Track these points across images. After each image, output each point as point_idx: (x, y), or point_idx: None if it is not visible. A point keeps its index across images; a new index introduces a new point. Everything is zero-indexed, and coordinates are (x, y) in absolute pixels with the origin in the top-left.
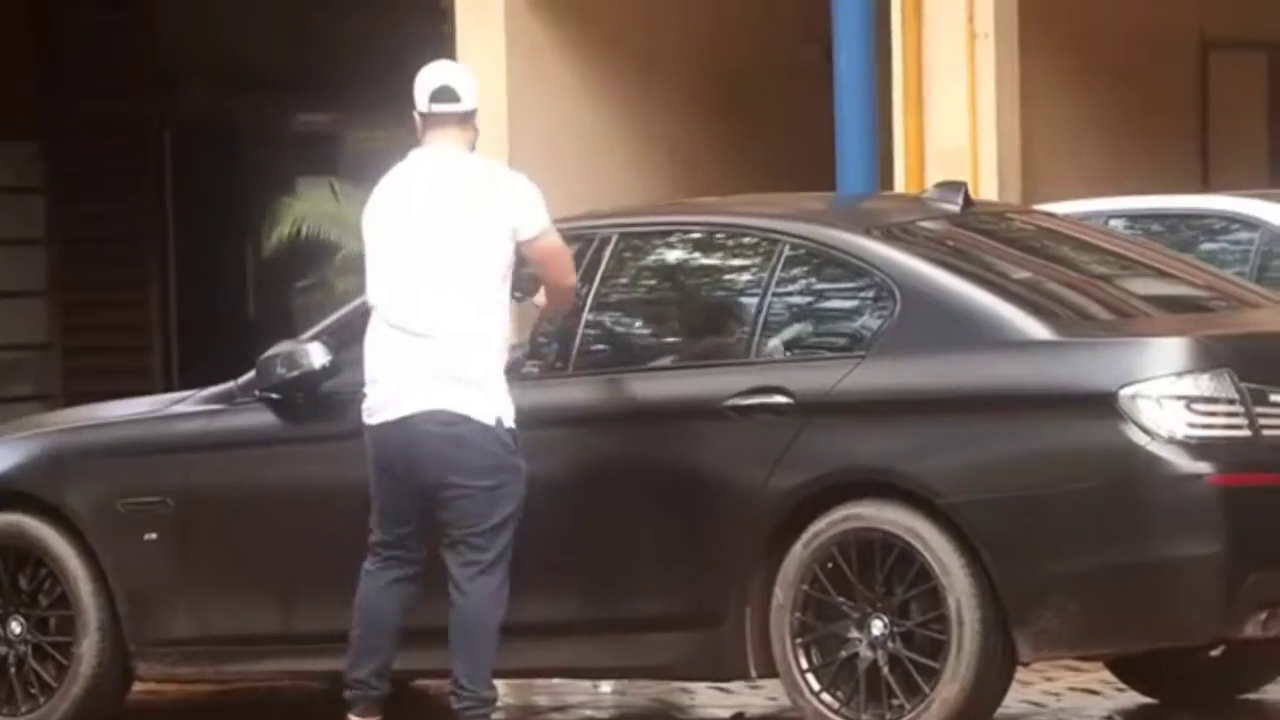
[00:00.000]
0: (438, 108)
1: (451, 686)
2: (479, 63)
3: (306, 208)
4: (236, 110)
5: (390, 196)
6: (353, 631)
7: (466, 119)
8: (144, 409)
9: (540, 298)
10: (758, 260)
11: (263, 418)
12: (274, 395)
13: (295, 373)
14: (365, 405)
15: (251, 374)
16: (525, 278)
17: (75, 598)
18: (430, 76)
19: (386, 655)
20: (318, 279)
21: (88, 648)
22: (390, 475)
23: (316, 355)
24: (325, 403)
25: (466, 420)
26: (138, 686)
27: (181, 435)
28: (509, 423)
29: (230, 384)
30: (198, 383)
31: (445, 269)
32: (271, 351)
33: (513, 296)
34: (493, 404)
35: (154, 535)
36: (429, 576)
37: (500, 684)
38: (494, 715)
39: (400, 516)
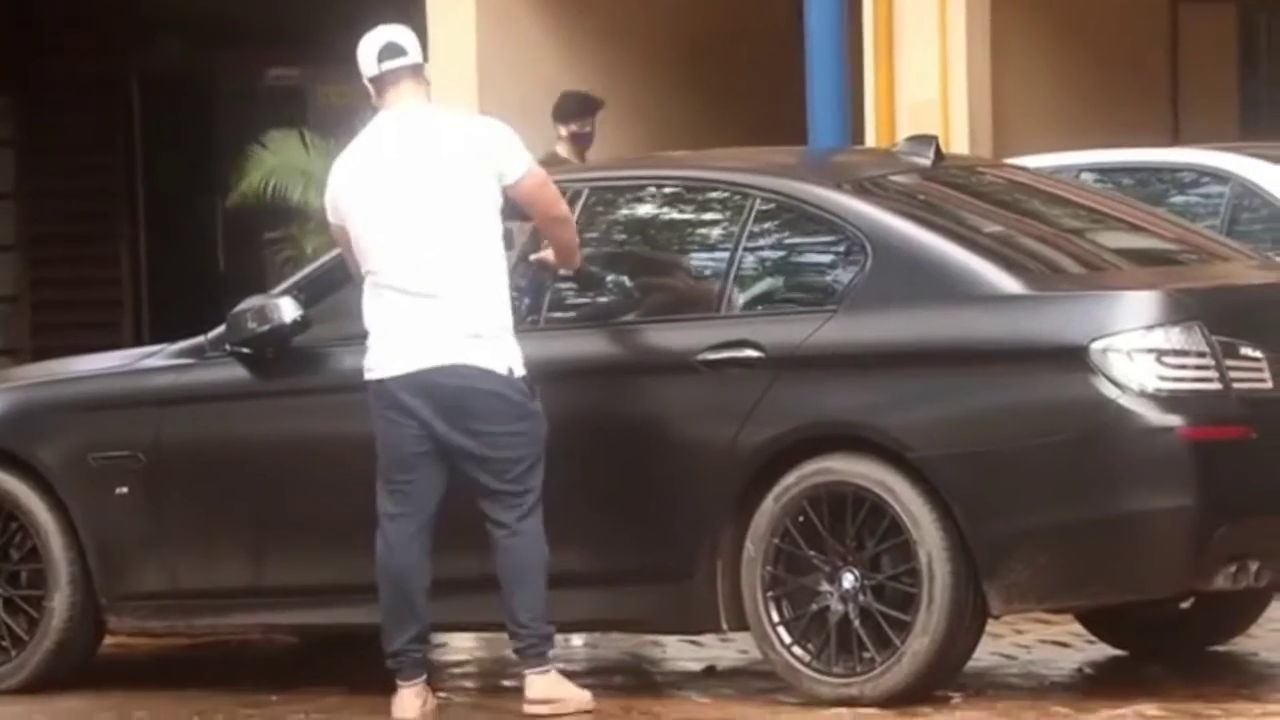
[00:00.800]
0: (388, 65)
1: (511, 627)
2: (449, 22)
3: (277, 160)
4: (207, 65)
5: (366, 163)
6: (381, 601)
7: (418, 71)
8: (114, 363)
9: (547, 253)
10: (729, 214)
11: (233, 372)
12: (244, 350)
13: (266, 327)
14: (370, 361)
15: (222, 329)
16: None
17: (46, 552)
18: (372, 39)
19: (423, 619)
20: (286, 233)
21: (59, 601)
22: (395, 425)
23: (287, 310)
24: (296, 357)
25: (482, 373)
26: (109, 640)
27: (152, 390)
28: (520, 371)
29: (201, 338)
30: (168, 337)
31: (441, 226)
32: (242, 306)
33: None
34: (504, 354)
35: (125, 489)
36: (447, 525)
37: (471, 637)
38: (462, 670)
39: (412, 462)
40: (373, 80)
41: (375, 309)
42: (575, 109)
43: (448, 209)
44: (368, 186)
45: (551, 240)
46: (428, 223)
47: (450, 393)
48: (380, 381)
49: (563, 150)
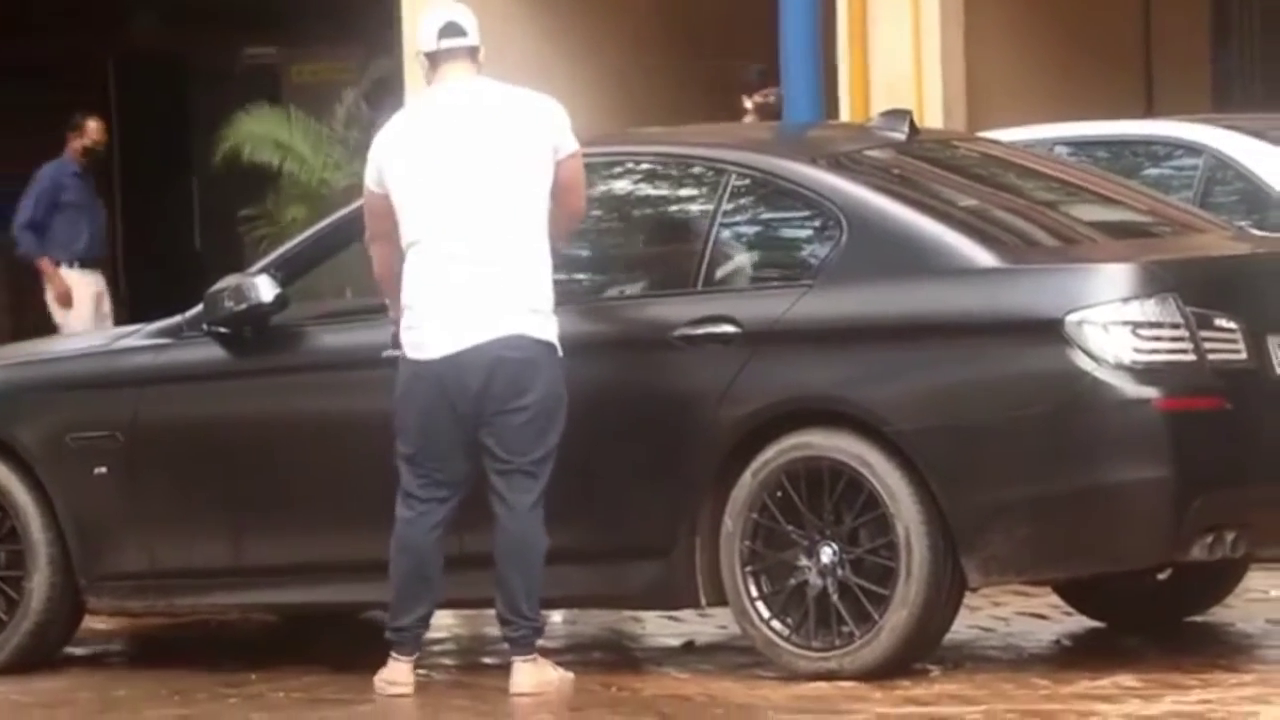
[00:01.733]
0: (447, 43)
1: (505, 614)
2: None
3: (257, 128)
4: (183, 43)
5: (420, 131)
6: (394, 575)
7: (475, 53)
8: (91, 343)
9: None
10: (705, 190)
11: (211, 351)
12: (222, 329)
13: (243, 306)
14: (415, 340)
15: (199, 308)
16: None
17: (25, 532)
18: (435, 15)
19: (433, 599)
20: (262, 209)
21: (38, 582)
22: (441, 409)
23: (264, 289)
24: (273, 336)
25: (541, 344)
26: (89, 620)
27: (130, 369)
28: (560, 352)
29: (178, 318)
30: (144, 317)
31: (503, 196)
32: (219, 285)
33: None
34: (554, 330)
35: (103, 469)
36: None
37: (451, 614)
38: (440, 647)
39: (446, 452)
40: (429, 55)
41: (424, 282)
42: (757, 80)
43: (505, 179)
44: (422, 154)
45: (563, 219)
46: (489, 192)
47: (512, 366)
48: (425, 362)
49: (749, 121)
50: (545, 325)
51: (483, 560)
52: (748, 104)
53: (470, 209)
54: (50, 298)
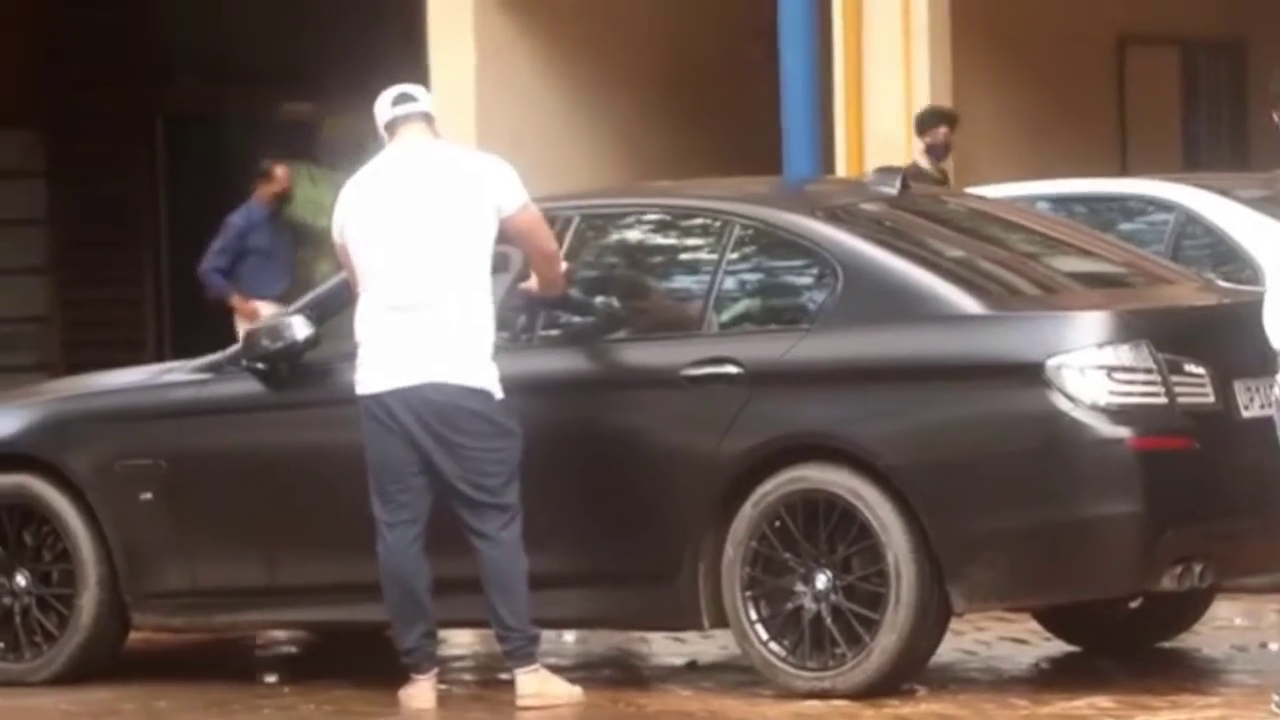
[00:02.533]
0: (400, 109)
1: (498, 631)
2: (449, 60)
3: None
4: (224, 100)
5: (370, 188)
6: (389, 603)
7: (428, 118)
8: (139, 378)
9: (531, 282)
10: (710, 239)
11: (249, 386)
12: (259, 365)
13: (279, 344)
14: (361, 376)
15: (239, 345)
16: (495, 255)
17: (76, 553)
18: (388, 92)
19: (429, 614)
20: (299, 256)
21: (87, 600)
22: (388, 437)
23: (299, 328)
24: (307, 372)
25: (465, 390)
26: (134, 636)
27: (174, 402)
28: (499, 393)
29: (219, 354)
30: (188, 354)
31: (435, 250)
32: (257, 324)
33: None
34: (487, 376)
35: (149, 494)
36: (441, 529)
37: (469, 634)
38: (460, 664)
39: (403, 471)
40: (387, 126)
41: (368, 326)
42: (928, 121)
43: (443, 235)
44: (370, 209)
45: (537, 273)
46: (423, 245)
47: (436, 408)
48: (372, 395)
49: (922, 161)
50: (475, 373)
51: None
52: (919, 145)
53: (407, 263)
54: (241, 331)
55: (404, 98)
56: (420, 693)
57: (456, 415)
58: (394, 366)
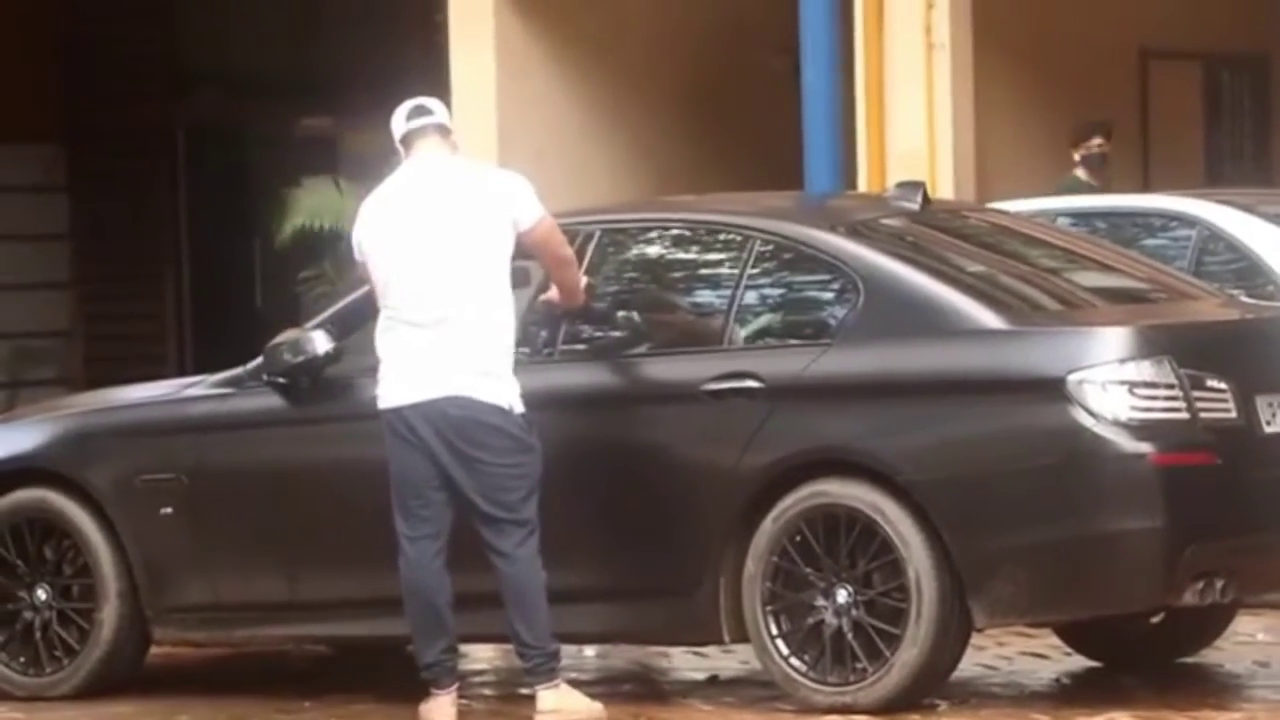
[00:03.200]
0: (415, 122)
1: (518, 648)
2: (470, 74)
3: (315, 201)
4: (245, 114)
5: (389, 205)
6: (410, 617)
7: (443, 130)
8: (159, 392)
9: (552, 292)
10: (731, 254)
11: (270, 401)
12: (280, 380)
13: (300, 359)
14: (383, 390)
15: (259, 360)
16: (516, 270)
17: (96, 567)
18: (403, 105)
19: (450, 629)
20: (320, 270)
21: (108, 614)
22: (409, 451)
23: (320, 342)
24: (328, 387)
25: (486, 405)
26: (154, 650)
27: (194, 417)
28: (520, 408)
29: (240, 369)
30: (209, 368)
31: (456, 266)
32: (278, 339)
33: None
34: (508, 391)
35: (169, 509)
36: (463, 543)
37: (489, 648)
38: (481, 679)
39: (424, 485)
40: (402, 139)
41: (389, 341)
42: (1082, 133)
43: (462, 250)
44: (389, 226)
45: (556, 281)
46: (443, 261)
47: (456, 423)
48: (393, 409)
49: (1080, 173)
50: (495, 387)
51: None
52: (1075, 156)
53: (427, 278)
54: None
55: (419, 110)
56: (440, 708)
57: (476, 430)
58: (415, 380)
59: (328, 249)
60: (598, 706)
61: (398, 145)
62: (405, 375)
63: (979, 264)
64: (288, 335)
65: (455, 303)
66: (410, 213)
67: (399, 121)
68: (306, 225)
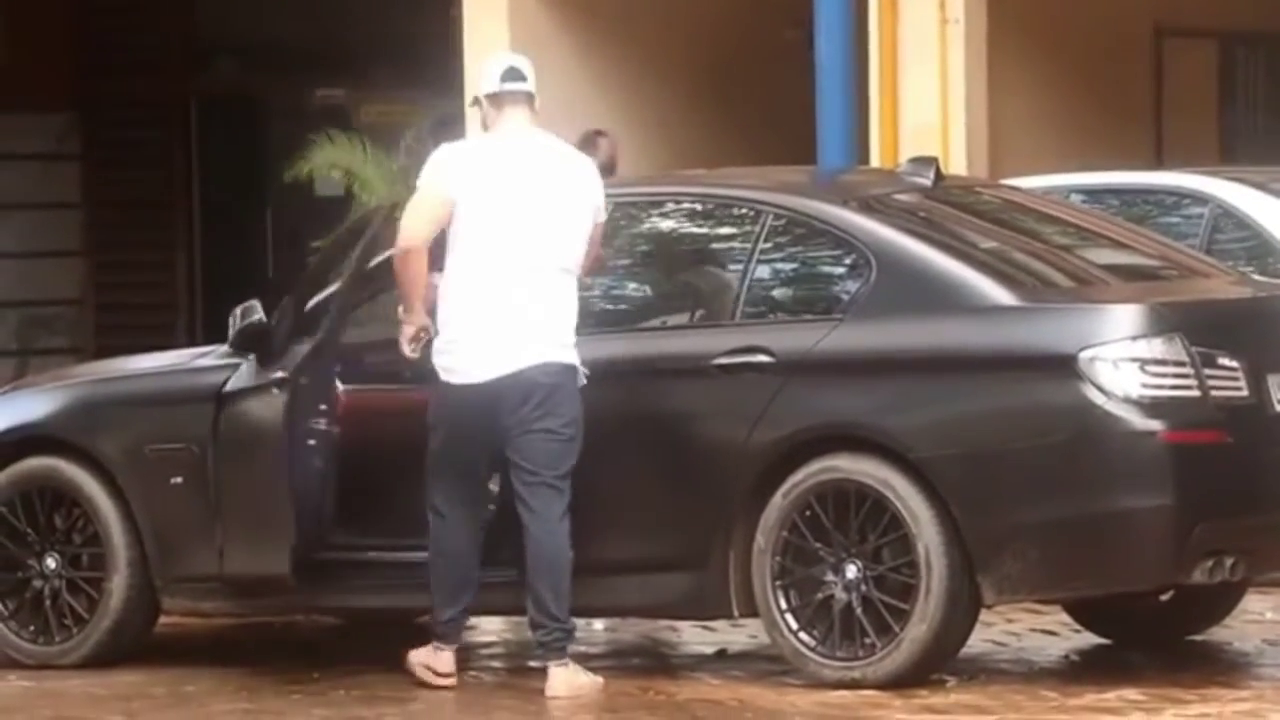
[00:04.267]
0: (510, 86)
1: (539, 618)
2: (484, 47)
3: (335, 154)
4: (259, 85)
5: (495, 156)
6: (437, 577)
7: (532, 100)
8: (170, 362)
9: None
10: (743, 229)
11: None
12: (243, 350)
13: (239, 327)
14: (451, 364)
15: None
16: None
17: (106, 536)
18: (497, 60)
19: (474, 592)
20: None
21: (117, 583)
22: (473, 430)
23: (256, 310)
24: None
25: (568, 369)
26: (163, 620)
27: (206, 387)
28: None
29: None
30: (220, 339)
31: (554, 239)
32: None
33: None
34: (576, 358)
35: (179, 479)
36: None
37: (497, 621)
38: (489, 651)
39: (471, 469)
40: (491, 97)
41: (471, 302)
42: None
43: (563, 225)
44: (496, 183)
45: (587, 268)
46: (548, 234)
47: (544, 390)
48: (462, 386)
49: None
50: (571, 354)
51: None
52: None
53: (530, 245)
54: None
55: (514, 73)
56: (445, 660)
57: (559, 394)
58: (499, 351)
59: (339, 218)
60: (599, 682)
61: (482, 98)
62: (487, 344)
63: (991, 240)
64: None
65: (549, 270)
66: (518, 175)
67: (491, 79)
68: (320, 179)
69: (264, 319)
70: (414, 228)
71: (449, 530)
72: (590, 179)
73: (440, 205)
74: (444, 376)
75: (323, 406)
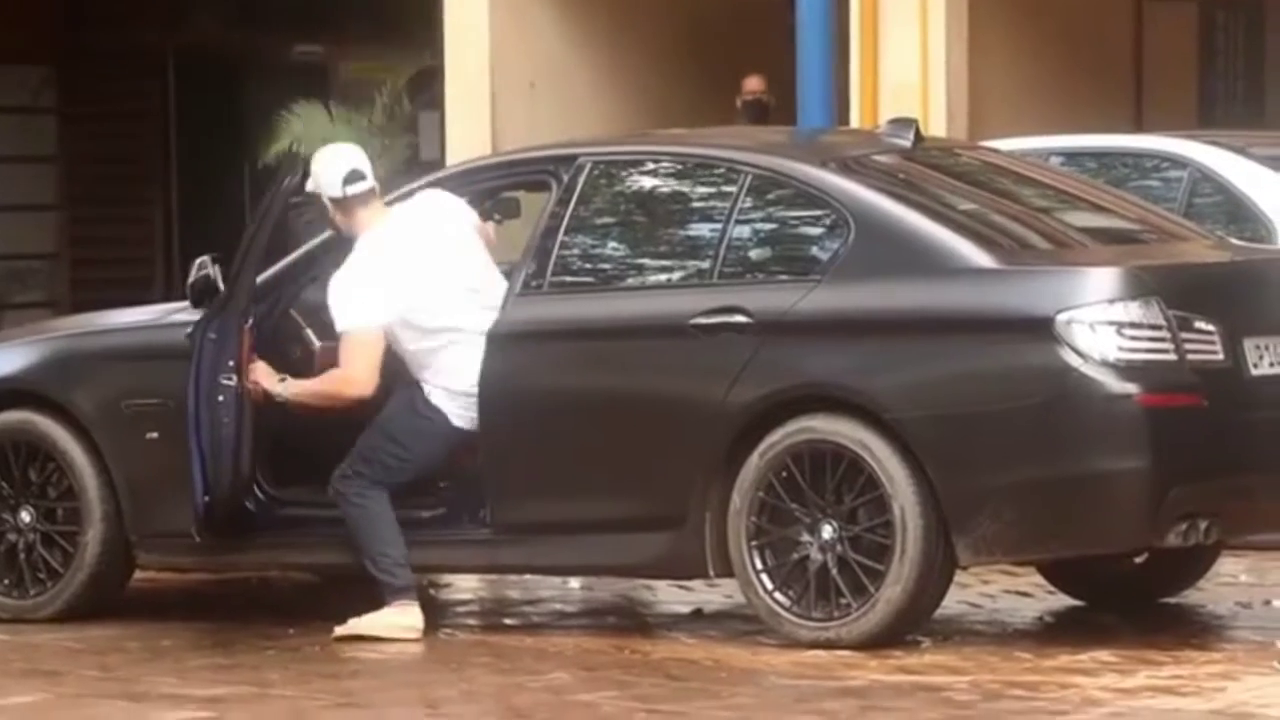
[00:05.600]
0: (354, 190)
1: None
2: (464, 6)
3: (303, 128)
4: (237, 40)
5: (394, 274)
6: (382, 547)
7: (375, 192)
8: (147, 317)
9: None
10: (722, 189)
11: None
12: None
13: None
14: (463, 413)
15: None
16: (505, 201)
17: (81, 490)
18: (334, 162)
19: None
20: (308, 197)
21: (92, 537)
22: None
23: (207, 265)
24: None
25: None
26: (138, 575)
27: (182, 342)
28: None
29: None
30: None
31: (480, 287)
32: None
33: (494, 219)
34: None
35: (155, 434)
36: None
37: (472, 579)
38: (467, 608)
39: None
40: (337, 201)
41: (461, 362)
42: None
43: (478, 264)
44: (411, 274)
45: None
46: (476, 281)
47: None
48: (465, 431)
49: None
50: None
51: (498, 530)
52: None
53: (471, 299)
54: None
55: (356, 175)
56: (415, 614)
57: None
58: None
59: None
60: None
61: (325, 201)
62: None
63: (970, 202)
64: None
65: (487, 305)
66: (443, 245)
67: (332, 184)
68: (293, 150)
69: (211, 274)
70: (360, 375)
71: (378, 501)
72: (457, 208)
73: (376, 342)
74: (456, 422)
75: (230, 362)
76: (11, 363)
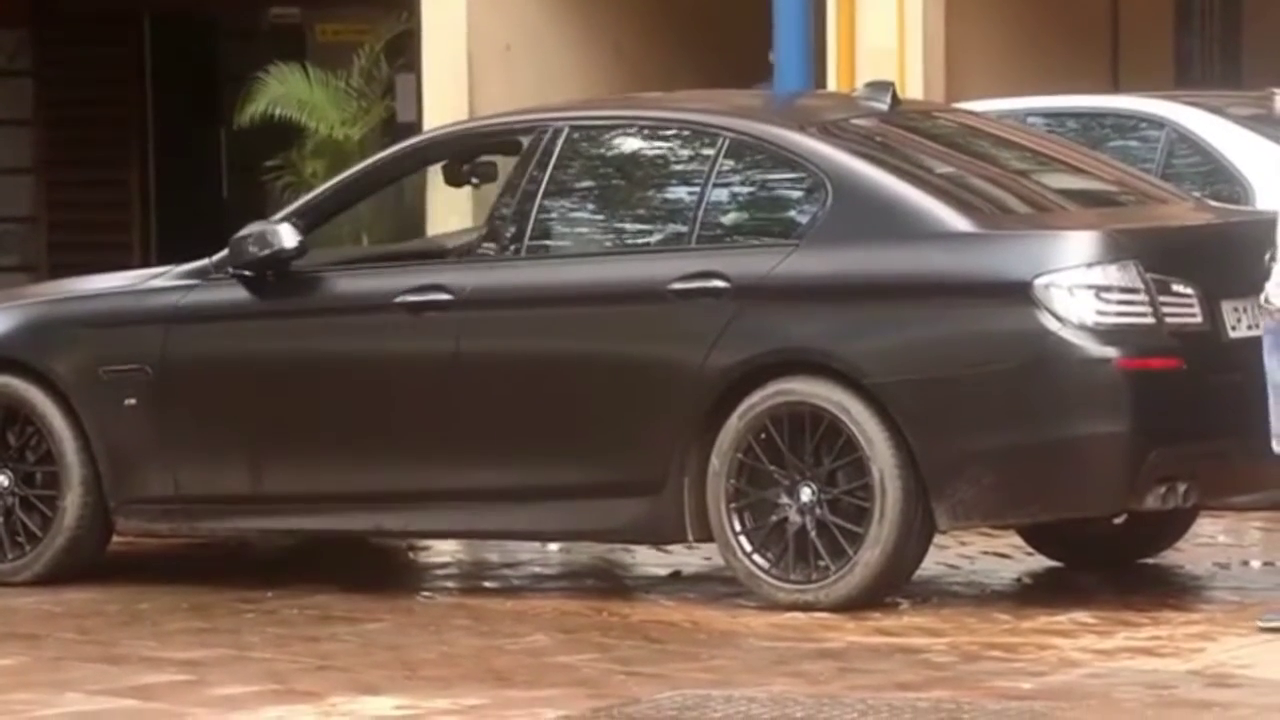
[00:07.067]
0: None
1: None
2: None
3: (281, 89)
4: (214, 2)
5: None
6: None
7: None
8: (125, 282)
9: None
10: (699, 153)
11: (235, 293)
12: (245, 272)
13: (266, 252)
14: None
15: (225, 252)
16: (484, 165)
17: (60, 455)
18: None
19: None
20: (286, 160)
21: (71, 502)
22: None
23: (287, 236)
24: (294, 280)
25: None
26: (117, 540)
27: (159, 308)
28: None
29: (205, 260)
30: (174, 258)
31: None
32: (244, 231)
33: (470, 183)
34: None
35: (133, 400)
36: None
37: (452, 544)
38: (446, 571)
39: None
40: None
41: None
42: None
43: None
44: None
45: None
46: None
47: None
48: None
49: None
50: None
51: (476, 494)
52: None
53: None
54: None
55: None
56: None
57: None
58: None
59: (294, 139)
60: None
61: None
62: None
63: (948, 165)
64: (254, 227)
65: None
66: None
67: None
68: (275, 110)
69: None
70: None
71: None
72: None
73: None
74: None
75: None
76: None
